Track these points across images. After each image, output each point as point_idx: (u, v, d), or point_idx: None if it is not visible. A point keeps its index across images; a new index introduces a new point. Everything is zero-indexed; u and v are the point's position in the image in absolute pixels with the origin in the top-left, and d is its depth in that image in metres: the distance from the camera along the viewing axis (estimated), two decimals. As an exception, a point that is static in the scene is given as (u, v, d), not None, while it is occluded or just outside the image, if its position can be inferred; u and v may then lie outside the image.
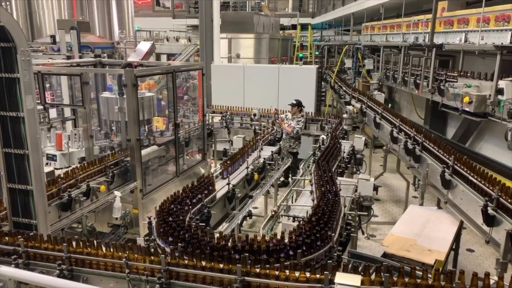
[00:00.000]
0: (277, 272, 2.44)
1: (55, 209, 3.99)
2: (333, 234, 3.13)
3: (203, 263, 2.55)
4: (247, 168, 5.47)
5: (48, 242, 2.91)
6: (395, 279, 2.33)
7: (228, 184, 4.78)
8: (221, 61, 11.93)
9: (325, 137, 6.54)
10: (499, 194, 3.60)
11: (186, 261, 2.59)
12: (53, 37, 11.59)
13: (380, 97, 9.53)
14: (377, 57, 11.93)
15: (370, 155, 8.71)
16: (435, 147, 5.05)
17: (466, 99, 5.71)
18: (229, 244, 2.86)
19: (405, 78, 8.72)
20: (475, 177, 4.06)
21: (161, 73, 6.85)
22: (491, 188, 3.76)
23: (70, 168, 4.70)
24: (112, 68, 6.97)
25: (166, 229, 3.12)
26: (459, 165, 4.40)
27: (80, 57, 9.05)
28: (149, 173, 5.52)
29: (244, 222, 5.21)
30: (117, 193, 4.56)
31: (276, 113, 8.27)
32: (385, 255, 3.77)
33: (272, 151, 6.34)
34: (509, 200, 3.51)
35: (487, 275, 2.26)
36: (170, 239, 3.03)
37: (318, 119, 8.47)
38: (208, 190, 4.28)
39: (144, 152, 5.31)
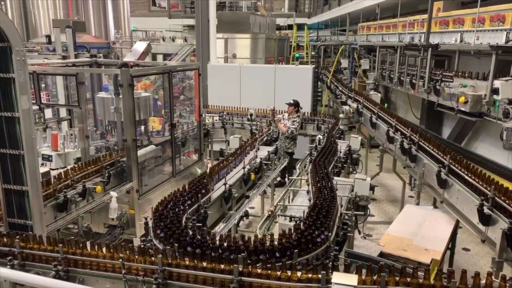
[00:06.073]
0: (273, 272, 2.44)
1: (51, 210, 3.97)
2: (330, 234, 3.13)
3: (200, 263, 2.55)
4: (243, 168, 5.47)
5: (44, 243, 2.89)
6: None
7: (225, 184, 4.77)
8: (218, 61, 11.91)
9: (321, 137, 6.55)
10: (495, 193, 3.62)
11: (183, 262, 2.58)
12: (48, 37, 11.55)
13: (376, 97, 9.54)
14: (373, 57, 11.94)
15: (366, 155, 8.73)
16: (431, 147, 5.06)
17: (462, 99, 5.73)
18: (226, 244, 2.86)
19: (401, 78, 8.74)
20: (471, 176, 4.07)
21: (157, 73, 6.83)
22: (486, 187, 3.77)
23: (66, 168, 4.68)
24: (108, 68, 6.95)
25: (163, 229, 3.11)
26: (455, 164, 4.42)
27: (76, 57, 9.05)
28: (145, 174, 5.51)
29: (241, 222, 5.21)
30: (113, 194, 4.54)
31: (273, 110, 8.16)
32: (381, 254, 3.77)
33: (268, 151, 6.34)
34: (505, 200, 3.53)
35: (477, 274, 2.28)
36: (167, 239, 3.02)
37: (315, 119, 8.47)
38: (205, 190, 4.27)
39: (140, 152, 5.30)
